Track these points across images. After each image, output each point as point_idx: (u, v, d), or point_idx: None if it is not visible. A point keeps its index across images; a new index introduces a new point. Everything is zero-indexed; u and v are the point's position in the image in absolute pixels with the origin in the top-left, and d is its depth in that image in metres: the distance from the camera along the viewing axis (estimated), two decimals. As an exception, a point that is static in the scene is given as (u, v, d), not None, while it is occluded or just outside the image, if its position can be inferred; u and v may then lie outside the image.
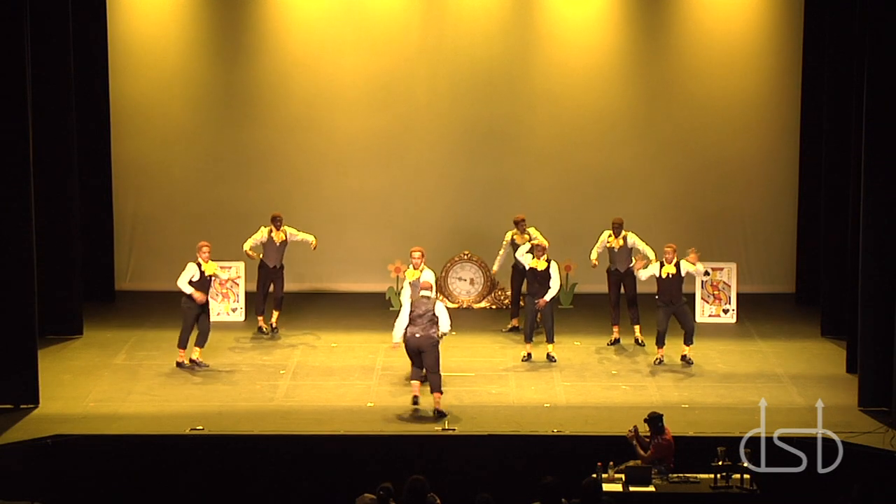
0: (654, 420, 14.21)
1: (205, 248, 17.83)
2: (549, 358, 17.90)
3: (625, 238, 18.76)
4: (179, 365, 17.59)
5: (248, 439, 15.15)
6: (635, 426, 14.24)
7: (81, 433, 15.10)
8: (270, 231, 19.15)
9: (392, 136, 21.36)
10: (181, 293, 17.54)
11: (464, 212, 21.33)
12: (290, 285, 21.09)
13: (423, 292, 16.34)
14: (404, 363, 17.60)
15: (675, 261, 17.79)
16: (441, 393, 15.92)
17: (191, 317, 17.62)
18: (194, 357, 17.61)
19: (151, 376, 17.35)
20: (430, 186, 21.44)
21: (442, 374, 16.10)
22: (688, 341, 17.89)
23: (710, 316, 19.89)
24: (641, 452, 14.07)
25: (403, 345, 16.10)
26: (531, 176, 21.39)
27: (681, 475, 13.88)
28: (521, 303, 19.15)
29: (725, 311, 19.87)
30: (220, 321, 19.67)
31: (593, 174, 21.39)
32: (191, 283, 17.58)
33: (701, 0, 21.17)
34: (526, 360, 17.92)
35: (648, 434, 14.23)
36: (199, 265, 17.69)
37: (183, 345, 17.63)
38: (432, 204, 21.37)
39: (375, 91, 21.27)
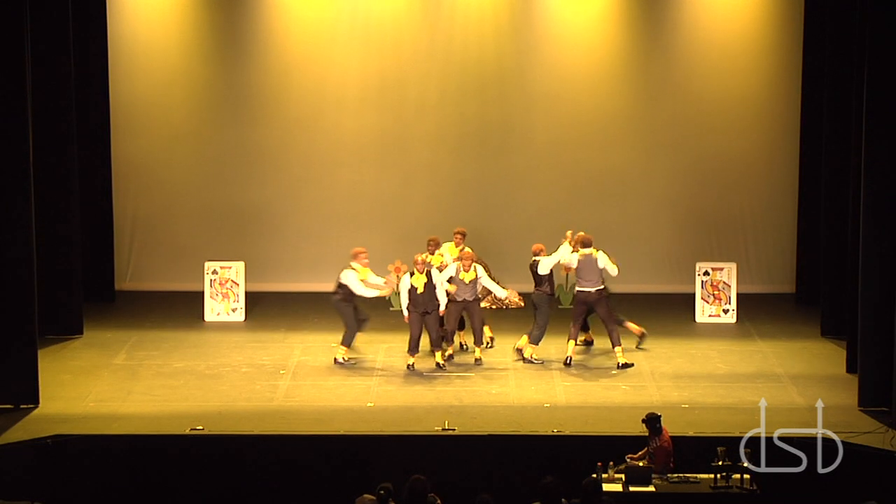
0: (652, 420, 14.21)
1: (363, 255, 17.89)
2: (523, 355, 17.95)
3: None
4: (340, 363, 17.70)
5: (248, 439, 15.14)
6: (626, 456, 14.21)
7: (81, 433, 15.09)
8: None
9: (393, 136, 21.35)
10: (354, 294, 17.80)
11: (465, 212, 21.29)
12: (290, 285, 21.17)
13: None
14: (404, 363, 17.65)
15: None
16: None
17: (350, 314, 17.74)
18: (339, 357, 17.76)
19: (151, 376, 17.35)
20: (430, 186, 21.43)
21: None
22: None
23: (710, 316, 19.87)
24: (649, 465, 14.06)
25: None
26: (532, 176, 21.37)
27: (681, 475, 13.88)
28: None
29: (725, 311, 19.86)
30: (219, 321, 19.71)
31: (593, 174, 21.37)
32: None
33: (701, 0, 21.17)
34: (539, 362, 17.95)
35: (647, 434, 14.26)
36: (356, 270, 17.77)
37: (348, 342, 17.77)
38: (433, 204, 21.35)
39: (376, 91, 21.25)
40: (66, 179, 18.92)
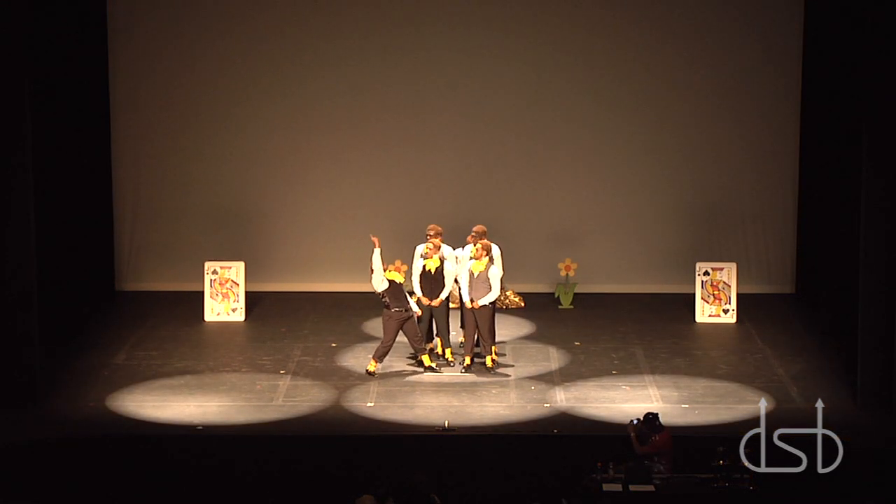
0: (651, 419, 14.22)
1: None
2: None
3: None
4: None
5: (248, 439, 15.15)
6: (634, 420, 14.21)
7: (82, 433, 15.10)
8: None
9: (393, 136, 21.32)
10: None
11: (466, 211, 21.26)
12: (290, 285, 21.16)
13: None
14: (403, 363, 17.64)
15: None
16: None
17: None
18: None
19: (151, 376, 17.36)
20: (431, 186, 21.40)
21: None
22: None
23: (710, 316, 19.85)
24: (637, 445, 14.04)
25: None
26: (532, 175, 21.35)
27: (681, 475, 13.87)
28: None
29: (725, 311, 19.85)
30: (219, 321, 19.71)
31: (593, 174, 21.36)
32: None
33: (701, -1, 21.23)
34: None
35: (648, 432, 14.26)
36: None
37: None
38: (434, 204, 21.30)
39: (377, 91, 21.23)
40: (67, 179, 18.93)
